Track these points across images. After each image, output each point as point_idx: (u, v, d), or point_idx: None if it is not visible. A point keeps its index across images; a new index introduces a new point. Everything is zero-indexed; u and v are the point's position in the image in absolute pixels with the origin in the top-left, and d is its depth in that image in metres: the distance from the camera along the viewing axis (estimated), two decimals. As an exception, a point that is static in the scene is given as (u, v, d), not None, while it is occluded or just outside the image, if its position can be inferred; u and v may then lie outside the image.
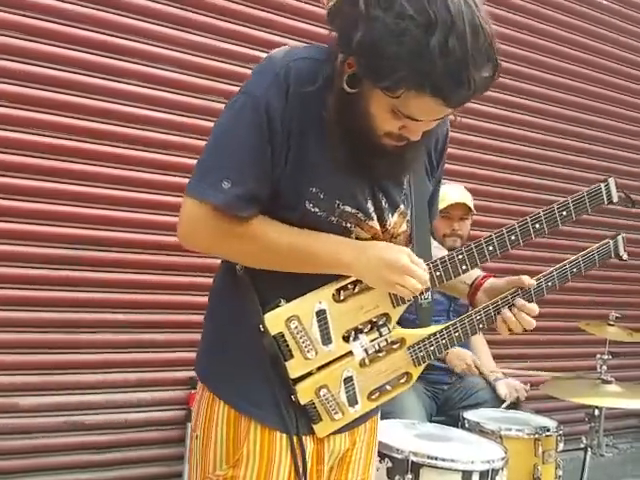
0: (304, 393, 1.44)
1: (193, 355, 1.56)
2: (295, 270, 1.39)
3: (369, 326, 1.46)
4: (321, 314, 1.41)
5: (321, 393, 1.45)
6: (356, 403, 1.49)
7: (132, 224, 2.88)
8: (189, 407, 2.97)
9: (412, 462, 2.18)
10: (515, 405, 3.06)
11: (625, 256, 1.62)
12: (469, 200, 3.16)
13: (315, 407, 1.45)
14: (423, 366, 1.53)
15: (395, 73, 1.15)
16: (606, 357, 2.85)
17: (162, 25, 2.89)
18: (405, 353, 1.50)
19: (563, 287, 3.98)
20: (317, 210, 1.36)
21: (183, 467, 2.96)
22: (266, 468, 1.42)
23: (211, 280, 1.57)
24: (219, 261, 1.53)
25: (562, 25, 4.22)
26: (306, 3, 3.22)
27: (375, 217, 1.43)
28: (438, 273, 1.44)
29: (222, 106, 2.95)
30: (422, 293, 1.46)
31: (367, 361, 1.47)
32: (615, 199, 1.53)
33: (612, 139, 4.56)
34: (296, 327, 1.40)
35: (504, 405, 3.03)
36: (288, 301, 1.40)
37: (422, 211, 1.53)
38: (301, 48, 1.38)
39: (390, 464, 2.22)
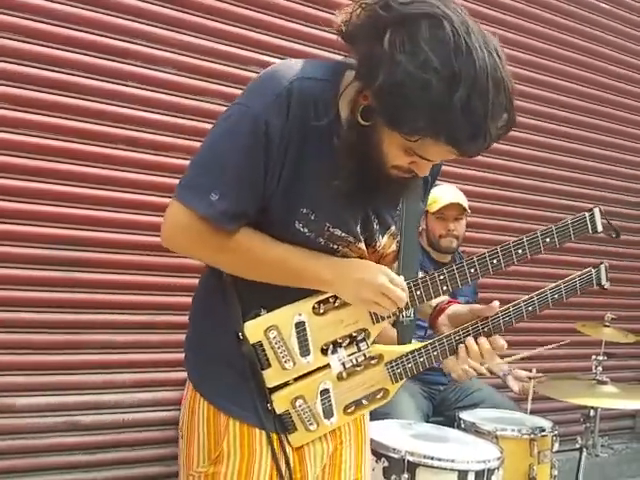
0: (280, 402, 1.45)
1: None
2: (277, 282, 1.41)
3: (348, 340, 1.47)
4: (300, 326, 1.43)
5: (297, 404, 1.46)
6: (332, 416, 1.50)
7: (131, 226, 2.89)
8: (186, 407, 2.97)
9: (408, 462, 2.19)
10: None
11: (607, 285, 1.63)
12: (463, 200, 3.17)
13: (291, 417, 1.47)
14: (401, 383, 1.54)
15: (415, 122, 1.16)
16: (602, 358, 2.87)
17: (153, 25, 2.88)
18: (383, 369, 1.52)
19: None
20: (306, 231, 1.37)
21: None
22: (247, 464, 1.44)
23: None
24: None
25: (559, 42, 4.24)
26: (297, 3, 3.22)
27: (364, 240, 1.44)
28: (419, 292, 1.46)
29: (213, 107, 2.96)
30: (403, 310, 1.48)
31: (344, 375, 1.49)
32: (600, 229, 1.54)
33: (606, 155, 4.57)
34: (275, 337, 1.42)
35: (529, 404, 3.01)
36: (269, 310, 1.42)
37: (412, 231, 1.55)
38: (304, 65, 1.35)
39: (386, 464, 2.23)
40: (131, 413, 2.96)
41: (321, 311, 1.44)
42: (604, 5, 4.44)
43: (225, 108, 1.38)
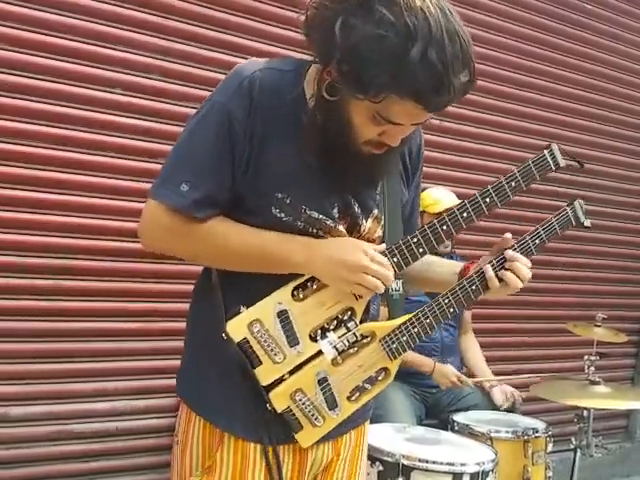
0: (279, 399, 1.41)
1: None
2: (253, 270, 1.40)
3: (335, 322, 1.43)
4: (283, 314, 1.39)
5: (297, 397, 1.42)
6: (336, 406, 1.45)
7: (122, 233, 2.87)
8: (180, 414, 2.97)
9: (403, 465, 2.20)
10: (511, 410, 3.11)
11: (587, 223, 1.57)
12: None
13: (293, 414, 1.42)
14: (399, 360, 1.48)
15: (376, 78, 1.18)
16: (594, 358, 2.88)
17: (137, 32, 2.85)
18: (378, 347, 1.45)
19: (550, 289, 3.98)
20: (283, 215, 1.37)
21: (175, 474, 2.95)
22: (240, 474, 1.42)
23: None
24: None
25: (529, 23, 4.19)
26: (281, 8, 3.21)
27: (348, 224, 1.43)
28: (395, 259, 1.41)
29: (187, 110, 2.91)
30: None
31: (340, 359, 1.43)
32: (562, 164, 1.50)
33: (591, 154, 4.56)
34: (259, 331, 1.39)
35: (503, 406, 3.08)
36: (249, 307, 1.40)
37: (395, 216, 1.52)
38: (270, 60, 1.42)
39: (381, 468, 2.23)
40: (124, 421, 2.94)
41: (301, 296, 1.41)
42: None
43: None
